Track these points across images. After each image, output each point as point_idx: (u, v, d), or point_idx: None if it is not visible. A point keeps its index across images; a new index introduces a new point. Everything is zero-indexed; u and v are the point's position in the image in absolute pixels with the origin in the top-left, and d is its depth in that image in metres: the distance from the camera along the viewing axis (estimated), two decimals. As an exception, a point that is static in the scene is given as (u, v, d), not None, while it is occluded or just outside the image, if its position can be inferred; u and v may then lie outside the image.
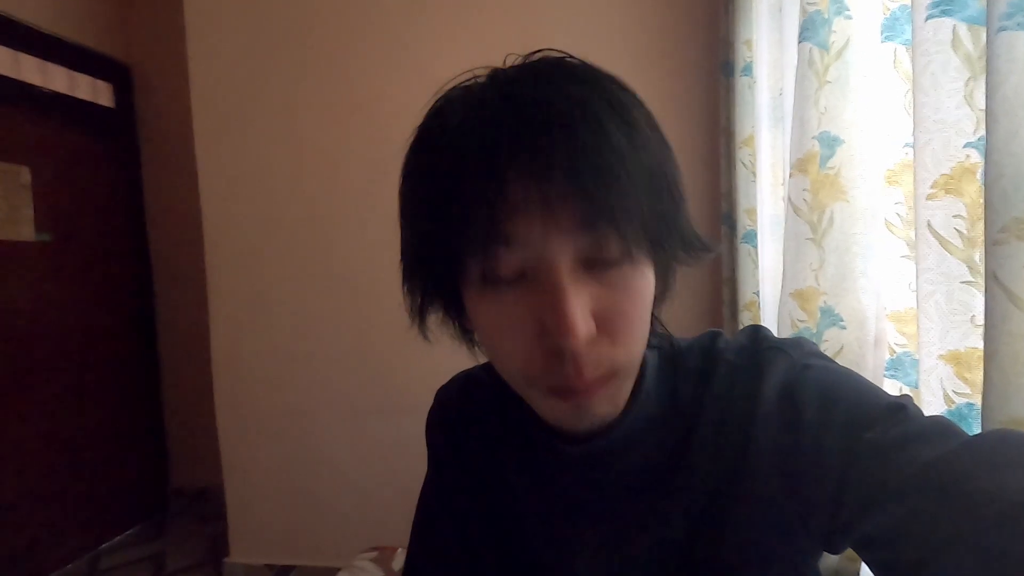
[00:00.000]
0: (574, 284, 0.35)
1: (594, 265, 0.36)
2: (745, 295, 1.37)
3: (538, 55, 0.40)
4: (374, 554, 1.21)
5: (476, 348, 0.46)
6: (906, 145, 0.67)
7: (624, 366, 0.40)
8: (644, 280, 0.38)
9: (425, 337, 0.45)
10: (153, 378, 2.75)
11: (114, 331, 2.54)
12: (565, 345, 0.35)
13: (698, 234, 0.42)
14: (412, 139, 0.40)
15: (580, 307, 0.35)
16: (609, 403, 0.41)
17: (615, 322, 0.37)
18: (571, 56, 0.40)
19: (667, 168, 0.38)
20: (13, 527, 2.08)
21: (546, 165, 0.34)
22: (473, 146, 0.35)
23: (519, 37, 1.74)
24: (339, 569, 1.27)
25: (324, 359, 1.95)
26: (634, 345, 0.40)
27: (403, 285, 0.42)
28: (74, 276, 2.37)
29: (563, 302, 0.35)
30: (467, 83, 0.40)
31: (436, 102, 0.40)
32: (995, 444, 0.33)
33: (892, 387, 0.72)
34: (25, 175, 2.19)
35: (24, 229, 2.18)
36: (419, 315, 0.43)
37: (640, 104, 0.39)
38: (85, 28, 2.44)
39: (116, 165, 2.60)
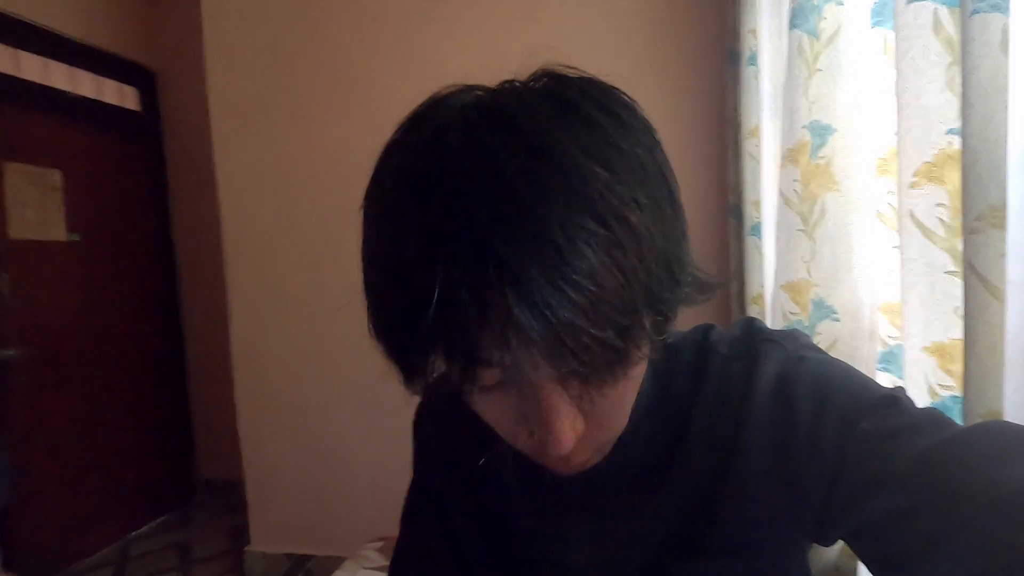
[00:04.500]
0: (560, 397, 0.33)
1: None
2: (753, 288, 1.35)
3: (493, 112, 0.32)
4: (380, 544, 1.23)
5: None
6: (895, 133, 0.65)
7: (610, 442, 0.40)
8: (637, 368, 0.35)
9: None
10: (179, 373, 2.84)
11: (142, 327, 2.64)
12: (553, 453, 0.34)
13: (702, 283, 0.37)
14: (376, 211, 0.34)
15: (568, 421, 0.34)
16: (595, 459, 0.41)
17: (604, 415, 0.36)
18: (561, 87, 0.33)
19: (668, 240, 0.33)
20: (49, 515, 2.19)
21: (524, 292, 0.28)
22: (440, 256, 0.29)
23: (528, 34, 1.74)
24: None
25: (339, 354, 1.98)
26: (622, 422, 0.39)
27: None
28: (103, 275, 2.47)
29: (551, 419, 0.33)
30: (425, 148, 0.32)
31: (392, 167, 0.34)
32: (987, 435, 0.33)
33: (885, 380, 0.71)
34: (56, 178, 2.29)
35: (56, 230, 2.28)
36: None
37: (637, 142, 0.32)
38: (111, 35, 2.52)
39: (142, 167, 2.69)
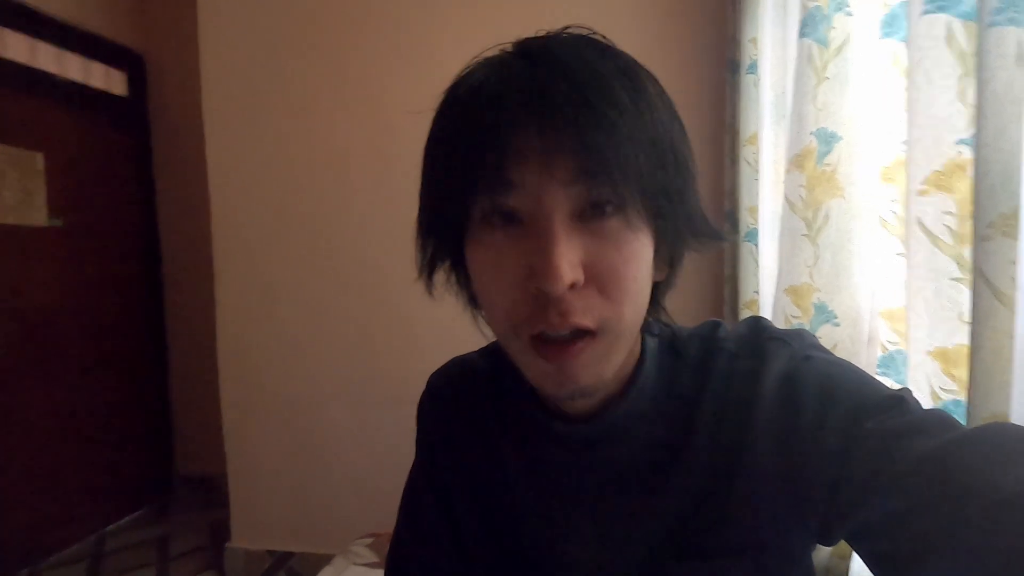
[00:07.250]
0: (565, 232, 0.36)
1: (590, 218, 0.37)
2: (746, 293, 1.37)
3: (566, 31, 0.42)
4: (370, 540, 1.22)
5: (479, 315, 0.46)
6: (903, 142, 0.67)
7: (612, 325, 0.38)
8: (639, 243, 0.38)
9: (430, 293, 0.46)
10: (161, 365, 2.79)
11: (123, 316, 2.58)
12: (549, 289, 0.35)
13: (705, 216, 0.42)
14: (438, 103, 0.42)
15: (567, 253, 0.36)
16: (593, 370, 0.39)
17: (605, 276, 0.37)
18: (596, 32, 0.42)
19: (674, 140, 0.39)
20: (22, 508, 2.12)
21: (549, 117, 0.35)
22: (484, 98, 0.37)
23: (526, 35, 1.74)
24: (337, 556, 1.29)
25: (327, 350, 1.96)
26: (625, 305, 0.38)
27: (416, 241, 0.44)
28: (85, 261, 2.41)
29: (551, 245, 0.35)
30: (495, 52, 0.42)
31: (464, 68, 0.41)
32: (992, 437, 0.33)
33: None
34: (39, 161, 2.23)
35: (37, 214, 2.22)
36: (428, 269, 0.45)
37: (654, 80, 0.40)
38: (100, 17, 2.47)
39: (128, 153, 2.63)
